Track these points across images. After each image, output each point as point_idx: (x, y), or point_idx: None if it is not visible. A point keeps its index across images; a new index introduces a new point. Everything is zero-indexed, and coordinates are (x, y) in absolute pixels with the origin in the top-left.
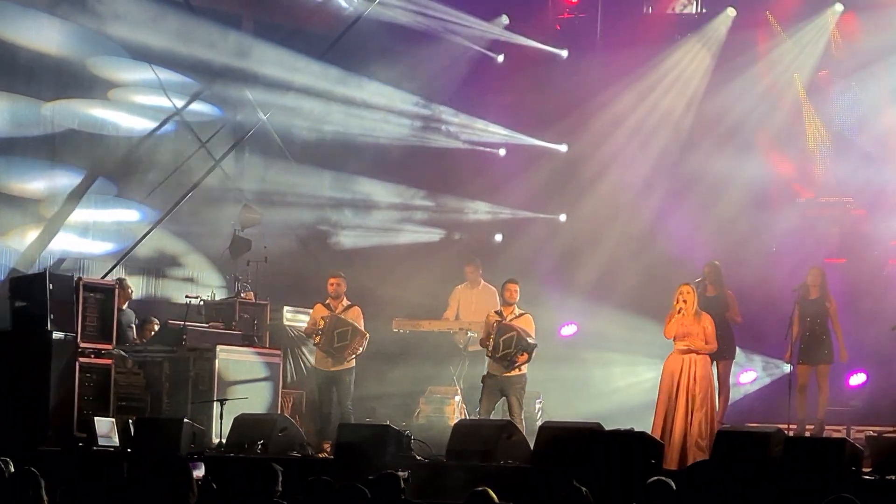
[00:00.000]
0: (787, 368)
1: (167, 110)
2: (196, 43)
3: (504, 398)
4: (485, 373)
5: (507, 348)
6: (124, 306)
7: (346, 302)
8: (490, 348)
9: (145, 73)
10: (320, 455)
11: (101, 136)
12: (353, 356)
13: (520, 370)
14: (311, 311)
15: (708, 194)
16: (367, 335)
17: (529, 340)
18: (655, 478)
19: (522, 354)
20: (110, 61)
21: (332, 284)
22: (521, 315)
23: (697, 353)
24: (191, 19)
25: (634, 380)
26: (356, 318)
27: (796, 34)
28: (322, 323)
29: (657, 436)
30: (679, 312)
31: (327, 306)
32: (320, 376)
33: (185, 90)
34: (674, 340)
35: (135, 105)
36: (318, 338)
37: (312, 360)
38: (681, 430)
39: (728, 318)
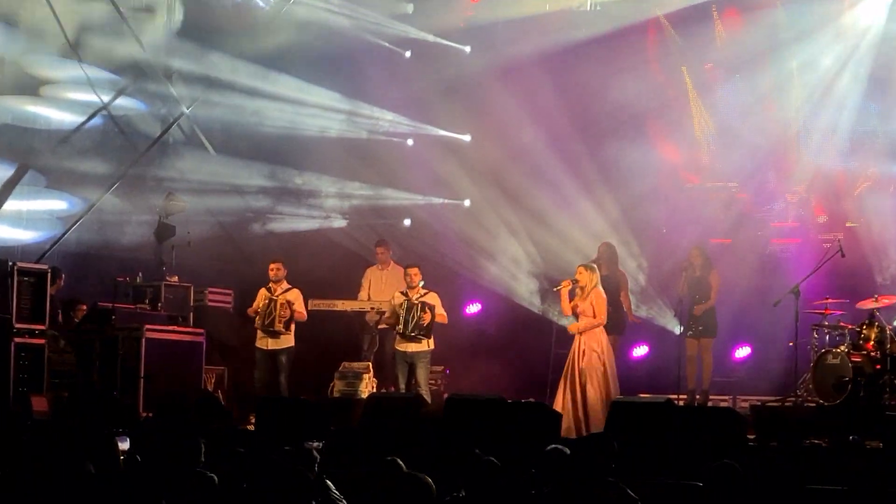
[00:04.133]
0: (678, 331)
1: (95, 105)
2: (122, 41)
3: (411, 371)
4: (395, 350)
5: (416, 320)
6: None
7: (285, 285)
8: (401, 326)
9: (74, 70)
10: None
11: (34, 130)
12: (284, 327)
13: (428, 345)
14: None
15: (604, 180)
16: (293, 305)
17: (435, 308)
18: (552, 446)
19: (426, 313)
20: (42, 59)
21: (271, 269)
22: (426, 293)
23: (587, 330)
24: (117, 18)
25: (534, 355)
26: (295, 298)
27: (680, 26)
28: (260, 305)
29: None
30: (580, 289)
31: (268, 289)
32: (259, 354)
33: (112, 86)
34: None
35: (65, 101)
36: (257, 319)
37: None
38: (580, 402)
39: (621, 297)
